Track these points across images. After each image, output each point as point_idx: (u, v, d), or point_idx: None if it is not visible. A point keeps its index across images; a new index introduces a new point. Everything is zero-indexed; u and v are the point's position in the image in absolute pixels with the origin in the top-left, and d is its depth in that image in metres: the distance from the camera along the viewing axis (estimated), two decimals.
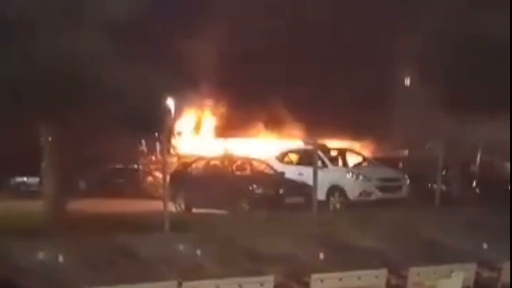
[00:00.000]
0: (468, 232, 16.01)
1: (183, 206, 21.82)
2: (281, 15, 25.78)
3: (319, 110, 24.58)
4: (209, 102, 29.58)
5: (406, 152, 27.99)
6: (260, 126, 28.78)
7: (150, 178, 26.22)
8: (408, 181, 23.09)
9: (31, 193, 22.97)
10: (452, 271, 13.60)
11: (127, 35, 17.64)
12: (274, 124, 28.23)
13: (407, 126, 24.72)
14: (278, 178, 22.25)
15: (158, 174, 23.76)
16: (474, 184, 24.47)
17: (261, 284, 12.16)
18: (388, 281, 13.30)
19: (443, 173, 20.70)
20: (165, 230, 15.30)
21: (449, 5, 21.50)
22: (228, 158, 23.74)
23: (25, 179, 25.84)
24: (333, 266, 13.54)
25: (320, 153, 21.04)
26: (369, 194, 22.24)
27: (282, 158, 24.40)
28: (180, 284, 11.61)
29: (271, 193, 21.11)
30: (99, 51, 16.60)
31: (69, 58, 16.16)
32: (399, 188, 22.88)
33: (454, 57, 21.36)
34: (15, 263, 12.39)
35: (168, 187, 17.62)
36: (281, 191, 21.20)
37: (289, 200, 20.72)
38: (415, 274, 13.46)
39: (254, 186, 21.30)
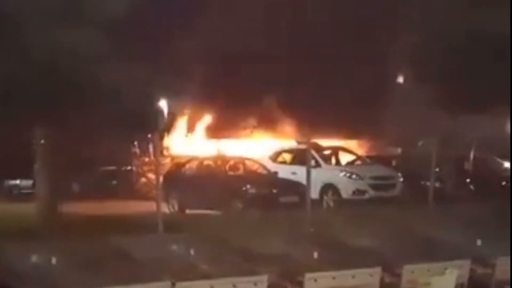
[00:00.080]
0: (462, 229, 16.00)
1: (176, 207, 21.75)
2: (280, 15, 25.69)
3: (311, 109, 24.52)
4: (201, 103, 29.49)
5: (399, 150, 28.03)
6: (253, 126, 28.73)
7: (143, 179, 26.16)
8: (401, 179, 23.11)
9: (24, 196, 22.93)
10: (446, 268, 13.61)
11: (120, 36, 17.59)
12: (267, 124, 28.19)
13: (400, 124, 24.73)
14: (272, 178, 22.25)
15: (151, 175, 23.67)
16: (468, 181, 24.50)
17: (255, 284, 12.16)
18: (382, 279, 13.30)
19: (437, 170, 20.70)
20: (158, 231, 15.26)
21: (444, 4, 21.57)
22: (221, 158, 23.69)
23: (17, 181, 25.75)
24: (327, 265, 13.52)
25: (313, 152, 20.99)
26: (362, 192, 22.27)
27: (275, 157, 24.43)
28: (173, 284, 11.60)
29: (264, 193, 21.06)
30: (92, 54, 16.59)
31: (61, 61, 16.14)
32: (393, 186, 22.89)
33: (446, 55, 21.40)
34: (8, 266, 12.36)
35: (161, 188, 17.63)
36: (274, 191, 21.18)
37: (282, 199, 20.69)
38: (409, 271, 13.46)
39: (248, 186, 21.24)
